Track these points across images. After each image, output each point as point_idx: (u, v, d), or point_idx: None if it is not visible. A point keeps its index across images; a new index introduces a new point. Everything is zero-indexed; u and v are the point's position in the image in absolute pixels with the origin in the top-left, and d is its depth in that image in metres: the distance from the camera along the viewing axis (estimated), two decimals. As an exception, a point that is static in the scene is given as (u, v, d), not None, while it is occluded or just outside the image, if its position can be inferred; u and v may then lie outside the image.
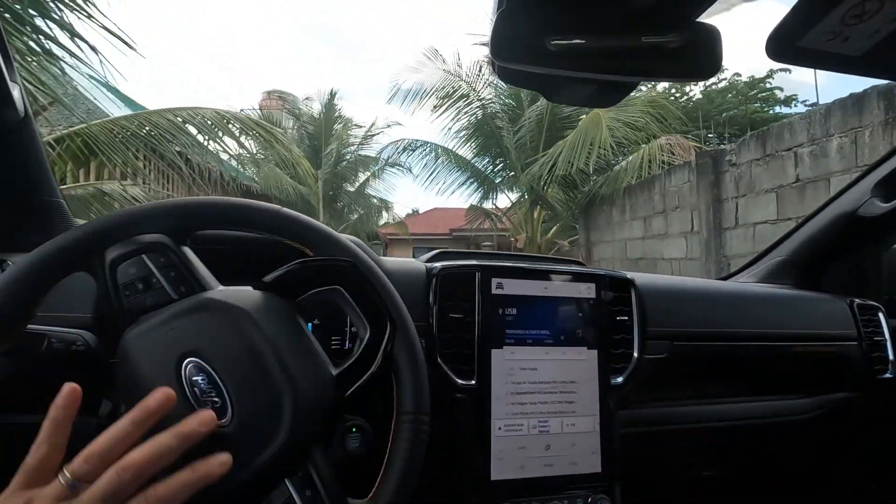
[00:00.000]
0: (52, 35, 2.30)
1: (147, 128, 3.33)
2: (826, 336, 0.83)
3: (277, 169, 9.29)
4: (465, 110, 8.30)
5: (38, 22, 2.25)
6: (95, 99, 4.98)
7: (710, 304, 0.81)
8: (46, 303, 0.41)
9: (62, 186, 2.97)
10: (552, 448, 0.62)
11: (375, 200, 11.90)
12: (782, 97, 11.45)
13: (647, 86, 7.72)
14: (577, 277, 0.67)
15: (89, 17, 2.34)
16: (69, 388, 0.33)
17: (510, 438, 0.60)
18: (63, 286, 0.41)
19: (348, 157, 11.36)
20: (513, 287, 0.64)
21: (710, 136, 7.28)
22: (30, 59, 2.30)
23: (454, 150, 8.77)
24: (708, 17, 0.49)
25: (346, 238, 0.48)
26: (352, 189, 11.71)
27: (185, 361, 0.38)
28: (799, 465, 0.93)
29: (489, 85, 8.19)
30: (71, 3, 2.30)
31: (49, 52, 2.35)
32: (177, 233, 0.45)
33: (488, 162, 8.78)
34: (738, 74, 11.84)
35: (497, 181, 8.90)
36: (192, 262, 0.44)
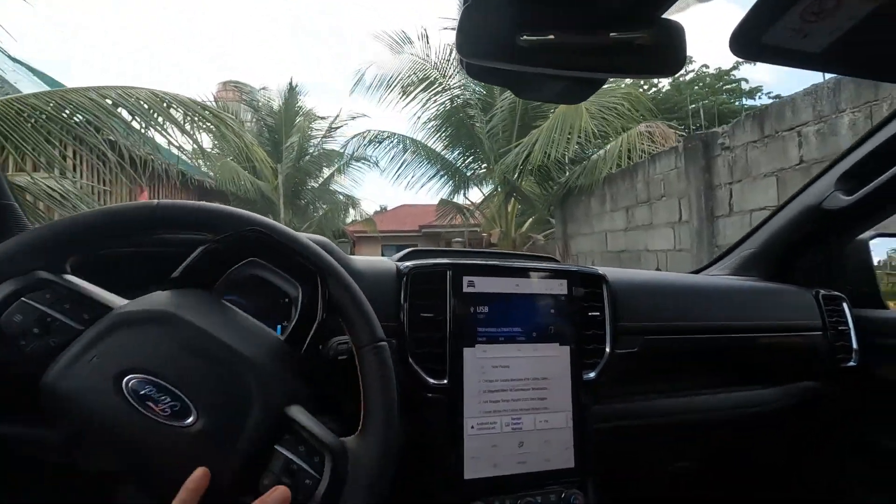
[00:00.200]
0: None
1: (67, 110, 2.86)
2: (793, 327, 0.89)
3: (234, 163, 9.04)
4: (435, 98, 8.18)
5: None
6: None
7: (680, 298, 0.86)
8: None
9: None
10: (525, 445, 0.64)
11: (341, 197, 11.76)
12: (747, 88, 12.09)
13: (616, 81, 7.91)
14: (549, 274, 0.70)
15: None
16: (201, 472, 0.37)
17: (483, 437, 0.63)
18: None
19: (311, 152, 11.16)
20: (484, 285, 0.67)
21: (679, 126, 7.55)
22: None
23: (423, 141, 8.67)
24: (672, 14, 0.52)
25: (243, 211, 0.48)
26: (316, 185, 11.52)
27: (126, 380, 0.38)
28: (770, 454, 0.99)
29: (460, 71, 8.19)
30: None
31: None
32: (53, 263, 0.43)
33: (459, 153, 8.73)
34: (706, 66, 12.42)
35: (469, 174, 8.88)
36: (81, 287, 0.43)
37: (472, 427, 0.63)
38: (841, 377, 0.90)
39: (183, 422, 0.37)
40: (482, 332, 0.65)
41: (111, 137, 3.16)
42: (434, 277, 0.65)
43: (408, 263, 0.66)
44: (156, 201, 0.45)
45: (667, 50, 0.49)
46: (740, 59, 10.99)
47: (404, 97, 8.20)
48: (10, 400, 0.41)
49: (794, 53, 0.62)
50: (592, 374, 0.70)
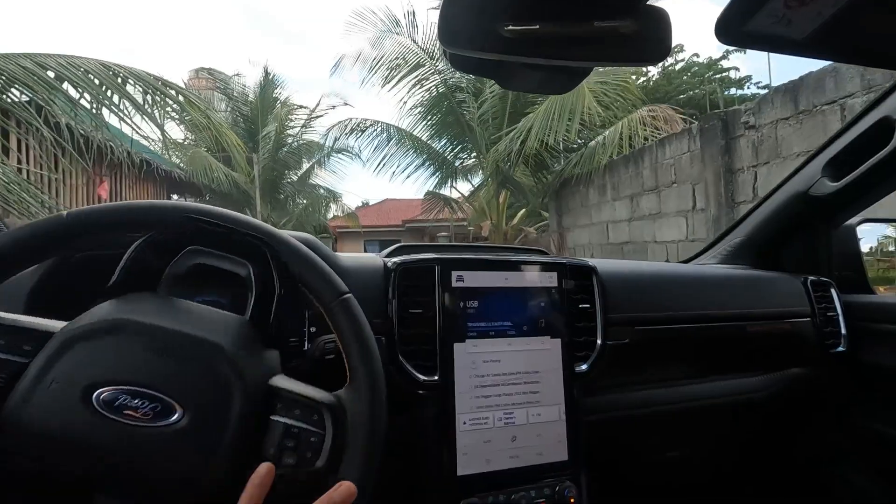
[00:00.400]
0: None
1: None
2: (782, 314, 0.93)
3: (206, 152, 8.86)
4: (422, 83, 7.94)
5: None
6: None
7: (671, 288, 0.89)
8: None
9: None
10: (518, 439, 0.67)
11: (322, 191, 11.65)
12: (737, 77, 12.38)
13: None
14: (539, 267, 0.72)
15: None
16: (265, 467, 0.39)
17: (475, 432, 0.65)
18: None
19: (290, 142, 11.03)
20: (473, 279, 0.68)
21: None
22: None
23: (409, 129, 8.47)
24: (657, 1, 0.54)
25: (165, 202, 0.48)
26: (295, 178, 11.40)
27: (96, 395, 0.38)
28: (760, 440, 1.03)
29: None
30: None
31: None
32: None
33: (447, 142, 8.56)
34: (697, 55, 12.72)
35: (457, 164, 8.74)
36: (9, 319, 0.42)
37: (465, 423, 0.65)
38: (829, 362, 0.95)
39: (168, 419, 0.38)
40: (472, 326, 0.67)
41: (56, 119, 2.72)
42: (422, 273, 0.67)
43: (395, 259, 0.68)
44: (66, 211, 0.44)
45: (652, 38, 0.51)
46: (730, 48, 11.23)
47: (389, 81, 7.99)
48: None
49: (778, 40, 0.64)
50: (584, 367, 0.72)
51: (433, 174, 8.78)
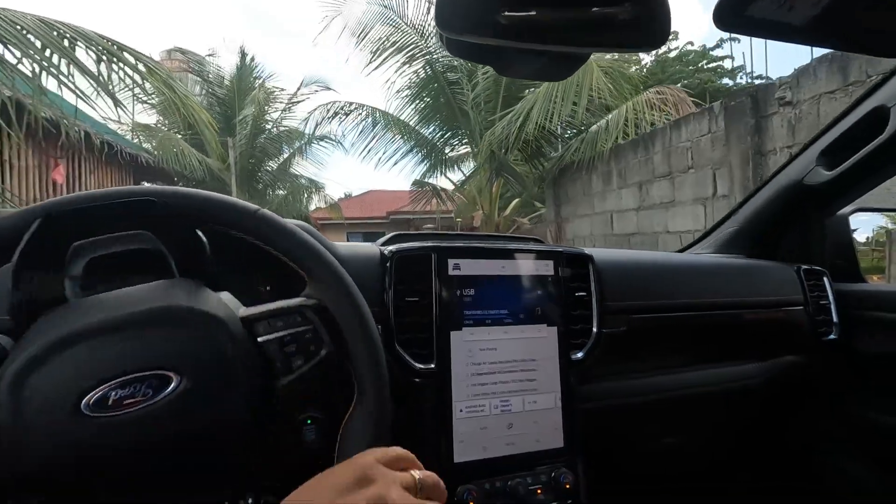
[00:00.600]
0: None
1: None
2: (775, 302, 0.98)
3: (178, 136, 8.68)
4: (411, 61, 7.70)
5: None
6: None
7: (666, 277, 0.92)
8: None
9: None
10: (514, 427, 0.70)
11: (304, 181, 11.55)
12: (730, 66, 12.57)
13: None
14: (535, 255, 0.75)
15: None
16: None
17: (472, 420, 0.68)
18: None
19: (269, 128, 10.89)
20: (470, 267, 0.71)
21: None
22: None
23: (396, 114, 8.25)
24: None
25: (94, 192, 0.46)
26: (274, 166, 11.27)
27: (84, 403, 0.38)
28: (754, 427, 1.08)
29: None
30: None
31: None
32: None
33: (437, 127, 8.37)
34: (691, 43, 12.86)
35: (448, 151, 8.59)
36: None
37: (461, 411, 0.68)
38: (822, 350, 1.00)
39: (169, 388, 0.40)
40: (469, 315, 0.70)
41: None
42: (419, 261, 0.69)
43: (392, 247, 0.70)
44: None
45: (649, 23, 0.53)
46: (724, 37, 11.39)
47: (376, 57, 7.74)
48: None
49: (778, 26, 0.68)
50: (580, 355, 0.75)
51: (421, 162, 8.65)
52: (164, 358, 0.41)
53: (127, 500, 0.41)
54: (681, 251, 1.21)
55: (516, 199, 8.98)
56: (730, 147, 4.14)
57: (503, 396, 0.70)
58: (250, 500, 0.51)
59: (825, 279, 1.02)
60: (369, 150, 8.48)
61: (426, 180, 8.94)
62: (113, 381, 0.39)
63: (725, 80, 12.34)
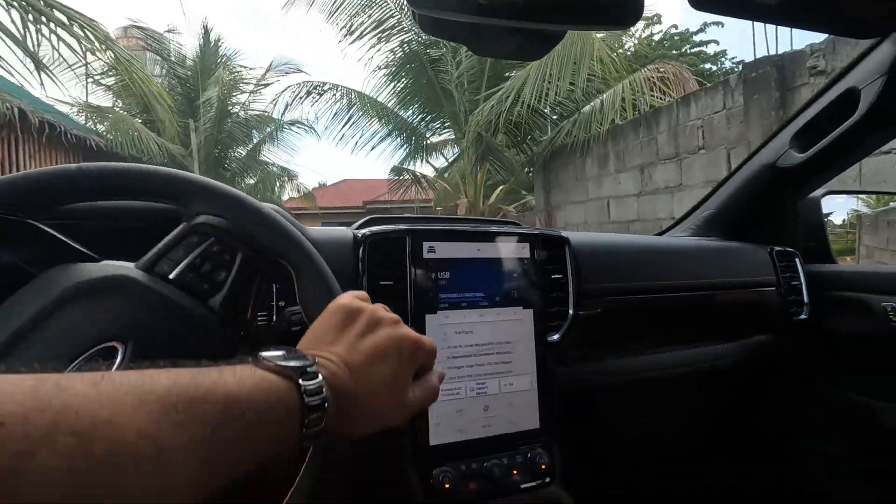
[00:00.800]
0: None
1: None
2: (749, 283, 1.02)
3: (138, 122, 8.40)
4: (389, 35, 7.39)
5: None
6: None
7: (642, 260, 0.95)
8: None
9: None
10: (490, 409, 0.72)
11: (275, 168, 11.34)
12: (712, 52, 12.88)
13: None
14: (511, 238, 0.77)
15: None
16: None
17: (448, 403, 0.70)
18: None
19: (237, 112, 10.63)
20: (445, 250, 0.73)
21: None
22: None
23: (373, 95, 7.96)
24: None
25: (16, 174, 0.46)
26: (243, 152, 11.03)
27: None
28: (730, 411, 1.13)
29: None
30: None
31: None
32: None
33: (418, 108, 8.10)
34: (675, 26, 13.11)
35: (429, 135, 8.37)
36: None
37: None
38: (792, 330, 1.05)
39: (118, 360, 0.40)
40: (444, 298, 0.71)
41: None
42: (393, 244, 0.70)
43: (365, 231, 0.71)
44: None
45: (624, 2, 0.55)
46: (708, 20, 11.66)
47: (351, 34, 7.41)
48: None
49: (750, 5, 0.71)
50: (556, 337, 0.78)
51: (401, 147, 8.43)
52: (98, 332, 0.41)
53: None
54: (659, 234, 1.25)
55: (501, 186, 8.83)
56: (748, 124, 3.87)
57: (479, 379, 0.72)
58: None
59: (797, 260, 1.07)
60: (343, 135, 8.27)
61: (405, 167, 8.76)
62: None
63: (708, 65, 12.62)
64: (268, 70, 10.70)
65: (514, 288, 0.76)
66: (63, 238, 0.48)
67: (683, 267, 0.98)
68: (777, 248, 1.06)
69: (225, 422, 0.28)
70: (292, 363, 0.34)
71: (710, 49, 13.10)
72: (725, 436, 1.17)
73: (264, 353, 0.34)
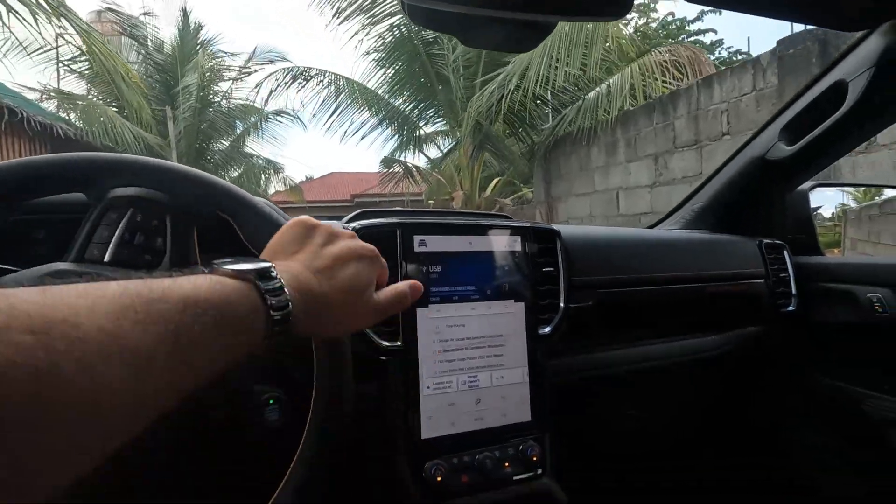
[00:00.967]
0: None
1: None
2: (738, 275, 1.05)
3: (114, 111, 8.17)
4: (380, 19, 7.12)
5: None
6: None
7: (632, 252, 0.97)
8: None
9: None
10: (482, 402, 0.74)
11: (260, 161, 11.20)
12: (709, 42, 13.04)
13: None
14: (503, 231, 0.78)
15: None
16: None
17: (440, 396, 0.71)
18: None
19: (219, 101, 10.47)
20: (436, 243, 0.73)
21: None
22: None
23: (363, 81, 7.71)
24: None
25: None
26: (226, 143, 10.87)
27: None
28: (720, 404, 1.16)
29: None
30: None
31: None
32: None
33: (411, 96, 7.89)
34: (672, 14, 13.29)
35: (422, 124, 8.14)
36: None
37: (428, 387, 0.71)
38: (780, 321, 1.08)
39: None
40: (435, 291, 0.72)
41: None
42: (383, 237, 0.71)
43: (355, 224, 0.72)
44: None
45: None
46: (705, 9, 11.80)
47: (340, 15, 7.12)
48: None
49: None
50: (548, 329, 0.79)
51: (392, 137, 8.17)
52: None
53: None
54: (650, 227, 1.27)
55: (498, 178, 8.61)
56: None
57: (471, 372, 0.73)
58: None
59: (785, 252, 1.10)
60: (331, 125, 8.01)
61: (397, 158, 8.54)
62: None
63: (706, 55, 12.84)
64: (251, 58, 10.55)
65: (506, 281, 0.77)
66: None
67: (674, 260, 1.00)
68: (766, 241, 1.09)
69: (186, 321, 0.28)
70: (247, 266, 0.35)
71: (707, 38, 13.24)
72: (716, 428, 1.20)
73: (218, 261, 0.35)
